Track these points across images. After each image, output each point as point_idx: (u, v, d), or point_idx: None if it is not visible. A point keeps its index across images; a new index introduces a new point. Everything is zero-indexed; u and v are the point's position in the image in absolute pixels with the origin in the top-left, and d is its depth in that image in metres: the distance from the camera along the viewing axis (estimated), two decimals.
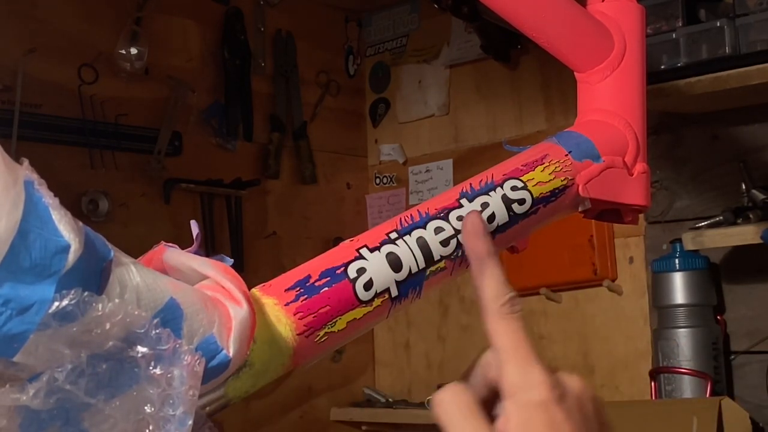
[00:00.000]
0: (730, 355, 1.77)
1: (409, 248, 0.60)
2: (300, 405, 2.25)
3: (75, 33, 1.93)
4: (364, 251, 0.58)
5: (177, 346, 0.44)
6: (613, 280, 1.97)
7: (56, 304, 0.41)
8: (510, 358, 0.53)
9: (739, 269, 1.77)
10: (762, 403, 1.72)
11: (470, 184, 0.65)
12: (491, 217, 0.64)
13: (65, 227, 0.42)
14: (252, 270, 2.08)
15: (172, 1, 2.09)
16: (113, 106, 1.97)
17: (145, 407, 0.43)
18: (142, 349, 0.43)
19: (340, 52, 2.45)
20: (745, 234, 1.59)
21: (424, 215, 0.62)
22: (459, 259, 0.62)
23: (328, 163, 2.37)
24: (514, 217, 0.65)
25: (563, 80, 1.95)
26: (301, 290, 0.55)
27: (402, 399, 2.30)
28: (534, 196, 0.67)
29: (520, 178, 0.67)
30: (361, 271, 0.57)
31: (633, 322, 1.94)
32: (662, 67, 1.61)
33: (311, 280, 0.56)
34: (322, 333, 0.55)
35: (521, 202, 0.66)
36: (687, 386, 1.70)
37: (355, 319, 0.57)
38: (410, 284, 0.60)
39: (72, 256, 0.42)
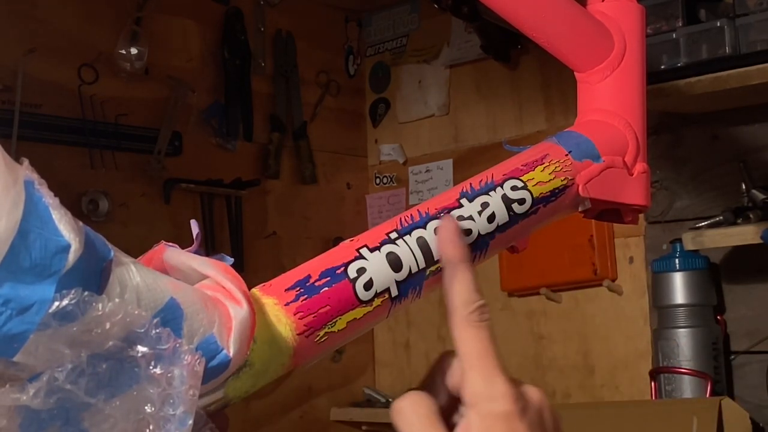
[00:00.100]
0: (730, 355, 1.77)
1: (410, 248, 0.60)
2: (300, 405, 2.25)
3: (75, 33, 1.93)
4: (364, 251, 0.58)
5: (177, 345, 0.44)
6: (613, 280, 1.97)
7: (56, 303, 0.41)
8: (474, 367, 0.52)
9: (739, 269, 1.77)
10: (762, 403, 1.72)
11: (470, 183, 0.65)
12: (491, 217, 0.64)
13: (65, 227, 0.42)
14: (252, 270, 2.08)
15: (172, 1, 2.09)
16: (113, 106, 1.97)
17: (146, 407, 0.43)
18: (142, 349, 0.43)
19: (340, 52, 2.45)
20: (745, 234, 1.59)
21: (424, 215, 0.62)
22: None
23: (328, 163, 2.37)
24: (514, 217, 0.65)
25: (563, 80, 1.95)
26: (301, 290, 0.55)
27: None
28: (534, 196, 0.67)
29: (520, 178, 0.67)
30: (361, 270, 0.57)
31: (633, 322, 1.94)
32: (662, 67, 1.61)
33: (311, 280, 0.56)
34: (322, 333, 0.55)
35: (521, 201, 0.66)
36: (687, 386, 1.70)
37: (355, 319, 0.57)
38: (410, 284, 0.60)
39: (72, 256, 0.42)
